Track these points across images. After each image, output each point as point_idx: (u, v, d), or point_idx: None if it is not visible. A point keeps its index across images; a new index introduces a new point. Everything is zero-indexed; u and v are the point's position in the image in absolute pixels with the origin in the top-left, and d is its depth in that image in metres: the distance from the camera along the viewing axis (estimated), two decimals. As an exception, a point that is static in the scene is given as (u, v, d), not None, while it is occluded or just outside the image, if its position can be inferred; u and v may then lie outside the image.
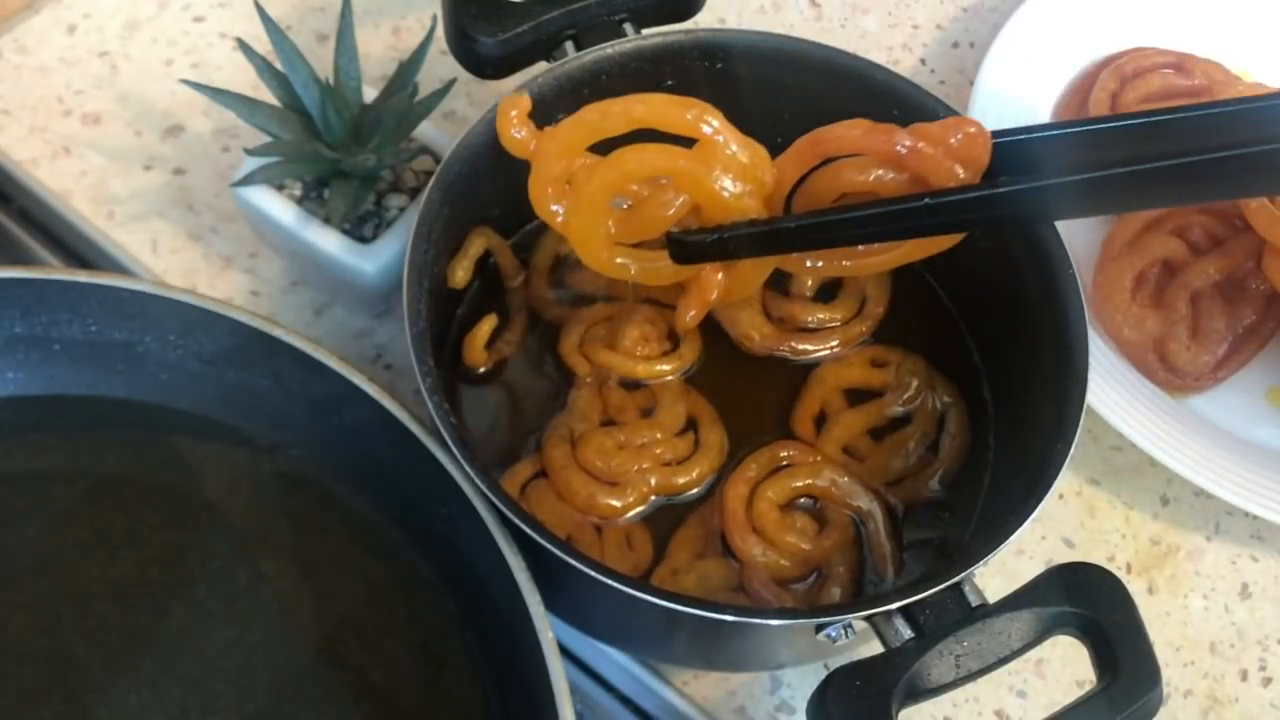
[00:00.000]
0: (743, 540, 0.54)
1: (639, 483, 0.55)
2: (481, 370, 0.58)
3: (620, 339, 0.58)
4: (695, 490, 0.56)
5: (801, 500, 0.56)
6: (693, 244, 0.51)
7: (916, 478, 0.57)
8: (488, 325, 0.58)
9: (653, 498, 0.56)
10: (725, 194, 0.50)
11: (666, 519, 0.56)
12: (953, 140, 0.49)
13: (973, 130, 0.49)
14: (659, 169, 0.50)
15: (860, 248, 0.54)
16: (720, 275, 0.53)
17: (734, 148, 0.50)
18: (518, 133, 0.52)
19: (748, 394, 0.59)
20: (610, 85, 0.58)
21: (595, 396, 0.57)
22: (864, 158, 0.51)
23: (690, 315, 0.54)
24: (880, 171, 0.51)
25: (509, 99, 0.52)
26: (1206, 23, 0.75)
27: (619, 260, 0.53)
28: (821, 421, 0.58)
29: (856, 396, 0.59)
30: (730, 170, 0.50)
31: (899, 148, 0.50)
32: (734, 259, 0.52)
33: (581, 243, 0.52)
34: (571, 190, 0.51)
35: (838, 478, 0.56)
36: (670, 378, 0.58)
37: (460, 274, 0.58)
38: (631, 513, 0.55)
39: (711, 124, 0.50)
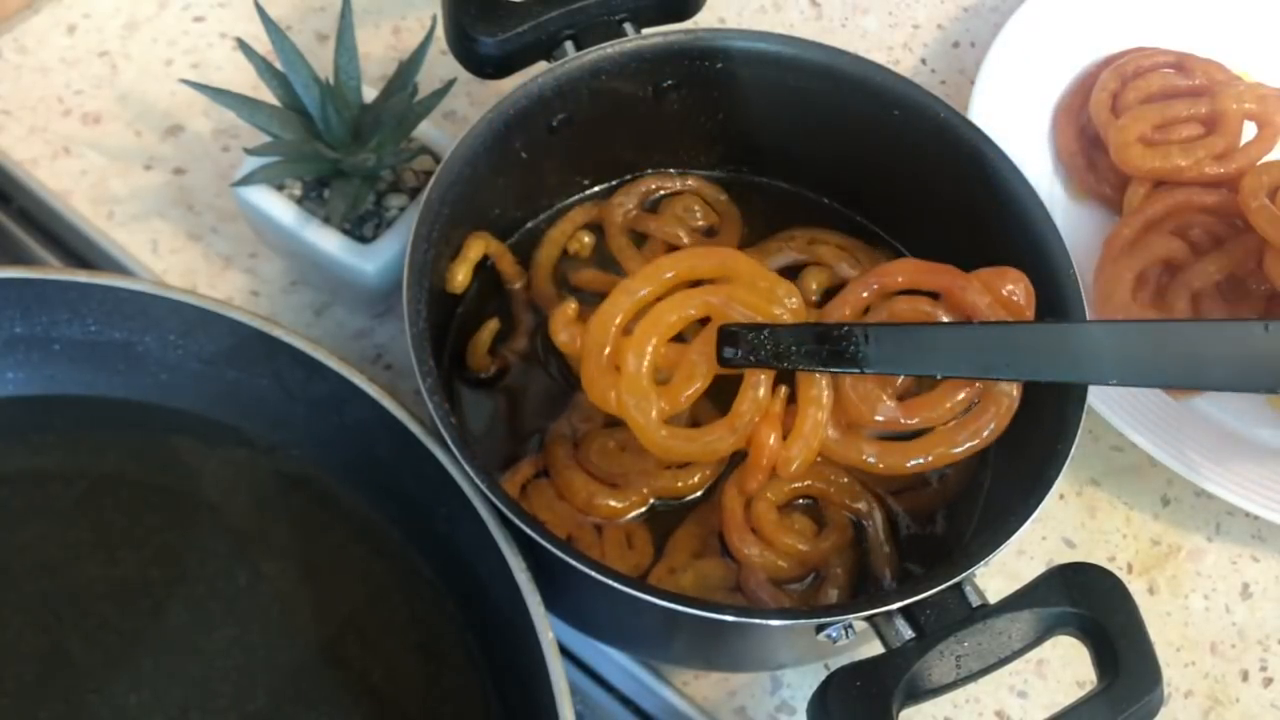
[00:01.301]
0: (740, 540, 0.54)
1: (639, 484, 0.55)
2: (485, 375, 0.58)
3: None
4: (696, 494, 0.56)
5: (801, 501, 0.56)
6: (743, 336, 0.49)
7: (919, 493, 0.57)
8: (489, 330, 0.58)
9: (653, 500, 0.55)
10: (763, 308, 0.50)
11: (667, 519, 0.56)
12: (1003, 291, 0.50)
13: (1017, 289, 0.51)
14: (698, 310, 0.51)
15: (940, 408, 0.50)
16: (772, 438, 0.50)
17: (762, 281, 0.51)
18: (566, 335, 0.53)
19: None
20: (610, 85, 0.58)
21: None
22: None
23: (753, 487, 0.52)
24: (928, 307, 0.51)
25: (559, 311, 0.53)
26: (1207, 22, 0.75)
27: (677, 443, 0.51)
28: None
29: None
30: (760, 294, 0.50)
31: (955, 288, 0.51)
32: (787, 367, 0.49)
33: (640, 429, 0.50)
34: (618, 374, 0.50)
35: (837, 478, 0.56)
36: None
37: (460, 278, 0.58)
38: (631, 514, 0.55)
39: (737, 265, 0.51)
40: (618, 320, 0.51)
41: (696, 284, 0.52)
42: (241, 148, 0.61)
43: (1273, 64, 0.75)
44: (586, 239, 0.62)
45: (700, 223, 0.63)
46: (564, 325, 0.53)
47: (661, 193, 0.63)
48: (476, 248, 0.58)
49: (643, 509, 0.55)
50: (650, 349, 0.50)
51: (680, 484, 0.55)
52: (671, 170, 0.64)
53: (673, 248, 0.62)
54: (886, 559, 0.55)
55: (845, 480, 0.56)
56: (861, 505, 0.55)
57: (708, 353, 0.50)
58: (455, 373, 0.58)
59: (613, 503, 0.54)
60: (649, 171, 0.64)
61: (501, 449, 0.57)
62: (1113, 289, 0.66)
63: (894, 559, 0.55)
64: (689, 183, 0.64)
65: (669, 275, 0.51)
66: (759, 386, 0.50)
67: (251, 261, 0.66)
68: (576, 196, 0.63)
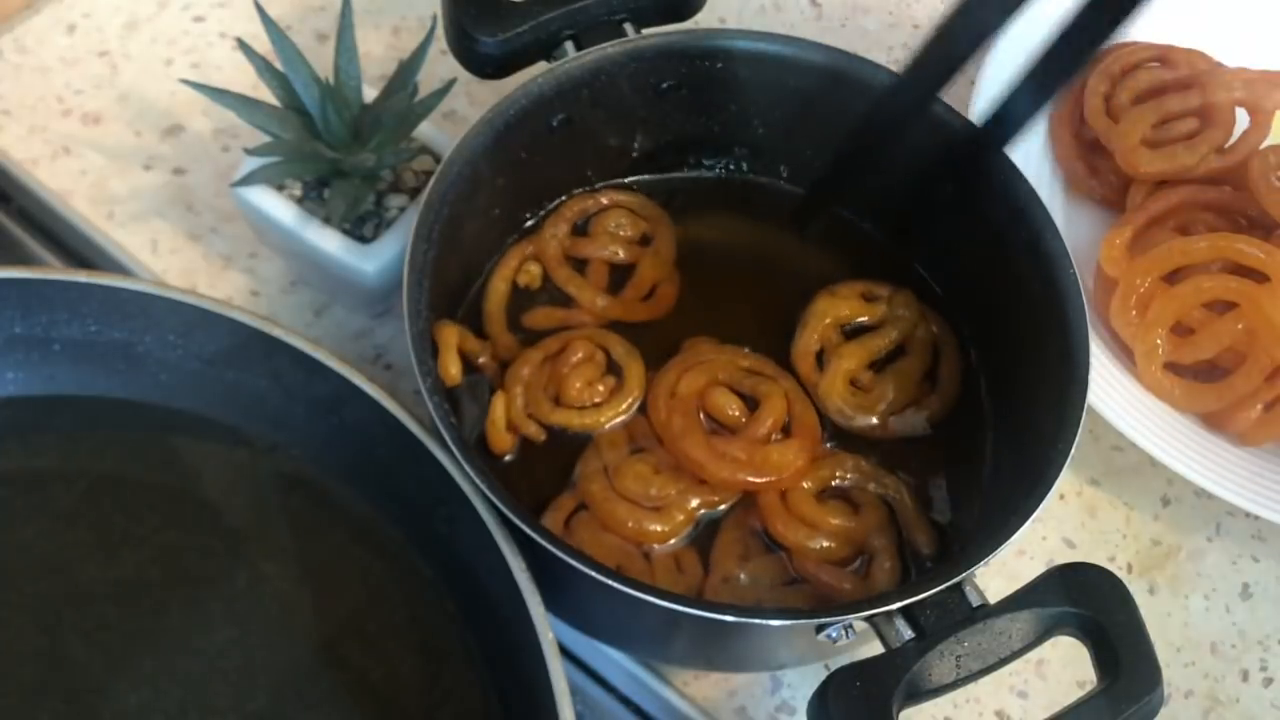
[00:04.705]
0: (786, 528, 0.54)
1: (682, 503, 0.55)
2: (509, 458, 0.56)
3: (565, 391, 0.57)
4: (734, 498, 0.56)
5: (835, 486, 0.56)
6: None
7: (918, 407, 0.58)
8: (502, 407, 0.56)
9: (699, 515, 0.55)
10: None
11: (705, 533, 0.55)
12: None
13: None
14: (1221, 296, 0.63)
15: None
16: None
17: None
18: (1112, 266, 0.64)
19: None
20: (610, 85, 0.58)
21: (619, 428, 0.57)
22: None
23: None
24: None
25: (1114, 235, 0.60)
26: (1207, 17, 0.75)
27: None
28: (820, 358, 0.59)
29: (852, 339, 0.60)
30: None
31: None
32: None
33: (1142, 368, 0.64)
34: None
35: (857, 462, 0.56)
36: (624, 416, 0.57)
37: (453, 370, 0.56)
38: (680, 534, 0.55)
39: None
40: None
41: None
42: (241, 148, 0.61)
43: (1248, 49, 0.75)
44: (534, 269, 0.61)
45: (630, 233, 0.62)
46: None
47: (588, 214, 0.63)
48: (449, 336, 0.56)
49: (691, 527, 0.55)
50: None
51: (719, 495, 0.55)
52: (598, 185, 0.63)
53: (615, 266, 0.61)
54: (923, 530, 0.55)
55: (865, 463, 0.56)
56: (887, 482, 0.56)
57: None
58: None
59: (658, 527, 0.54)
60: (573, 194, 0.63)
61: (530, 497, 0.56)
62: (1113, 287, 0.66)
63: (929, 530, 0.56)
64: (611, 197, 0.63)
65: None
66: None
67: (251, 261, 0.66)
68: (577, 192, 0.63)
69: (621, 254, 0.62)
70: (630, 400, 0.57)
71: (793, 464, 0.55)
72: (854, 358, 0.59)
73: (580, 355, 0.58)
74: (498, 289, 0.60)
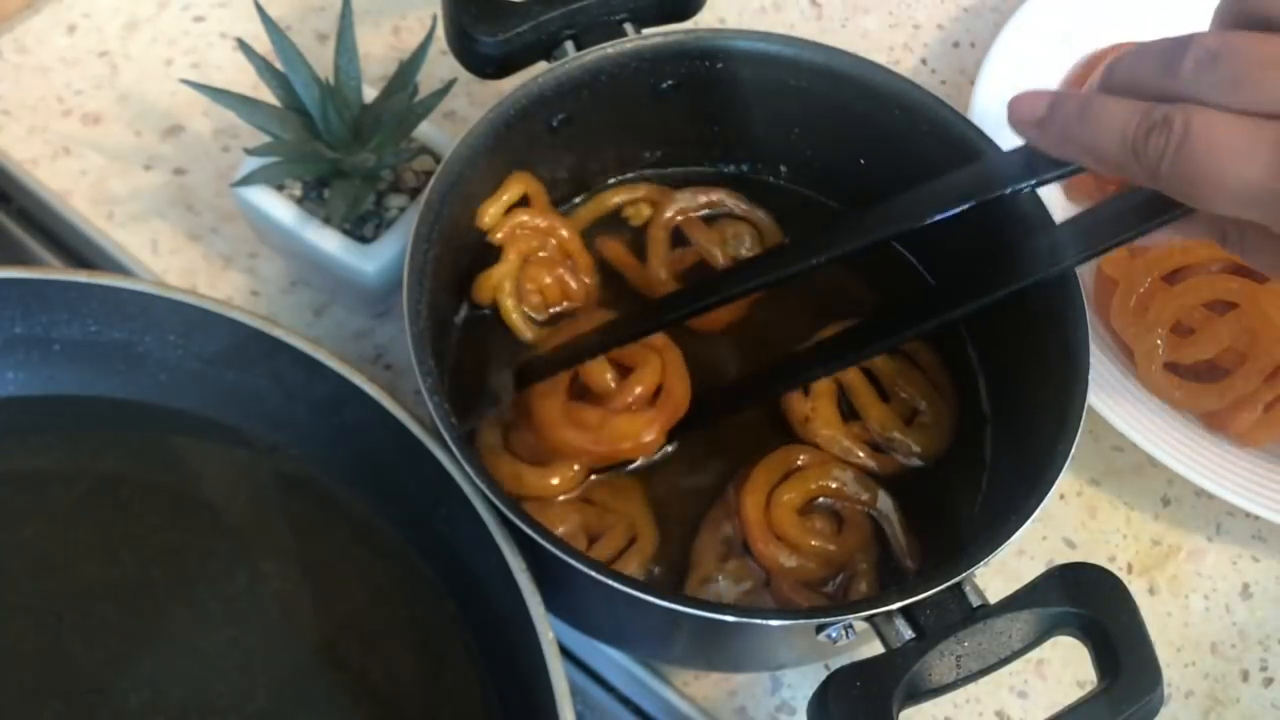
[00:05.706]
0: (766, 547, 0.54)
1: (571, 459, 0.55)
2: (486, 309, 0.58)
3: (529, 275, 0.58)
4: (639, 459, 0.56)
5: (819, 501, 0.56)
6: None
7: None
8: (509, 268, 0.57)
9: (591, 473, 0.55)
10: None
11: (684, 532, 0.55)
12: None
13: None
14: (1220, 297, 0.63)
15: None
16: None
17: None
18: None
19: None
20: (610, 85, 0.58)
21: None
22: None
23: None
24: None
25: None
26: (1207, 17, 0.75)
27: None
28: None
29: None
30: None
31: None
32: None
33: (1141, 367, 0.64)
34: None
35: (843, 474, 0.56)
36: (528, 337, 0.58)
37: (488, 219, 0.57)
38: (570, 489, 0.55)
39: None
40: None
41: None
42: (241, 148, 0.61)
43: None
44: (646, 211, 0.62)
45: (743, 250, 0.62)
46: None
47: (724, 210, 0.63)
48: (516, 189, 0.57)
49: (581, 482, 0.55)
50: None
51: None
52: (742, 195, 0.63)
53: (703, 263, 0.61)
54: (907, 549, 0.55)
55: (851, 475, 0.56)
56: (873, 496, 0.56)
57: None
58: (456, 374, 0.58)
59: (554, 480, 0.54)
60: (731, 169, 0.64)
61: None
62: (1113, 287, 0.66)
63: (915, 549, 0.55)
64: (757, 214, 0.63)
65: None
66: None
67: (251, 261, 0.66)
68: (579, 199, 0.63)
69: (720, 260, 0.61)
70: (552, 337, 0.57)
71: (637, 436, 0.54)
72: (876, 406, 0.58)
73: (577, 282, 0.59)
74: (613, 197, 0.62)
